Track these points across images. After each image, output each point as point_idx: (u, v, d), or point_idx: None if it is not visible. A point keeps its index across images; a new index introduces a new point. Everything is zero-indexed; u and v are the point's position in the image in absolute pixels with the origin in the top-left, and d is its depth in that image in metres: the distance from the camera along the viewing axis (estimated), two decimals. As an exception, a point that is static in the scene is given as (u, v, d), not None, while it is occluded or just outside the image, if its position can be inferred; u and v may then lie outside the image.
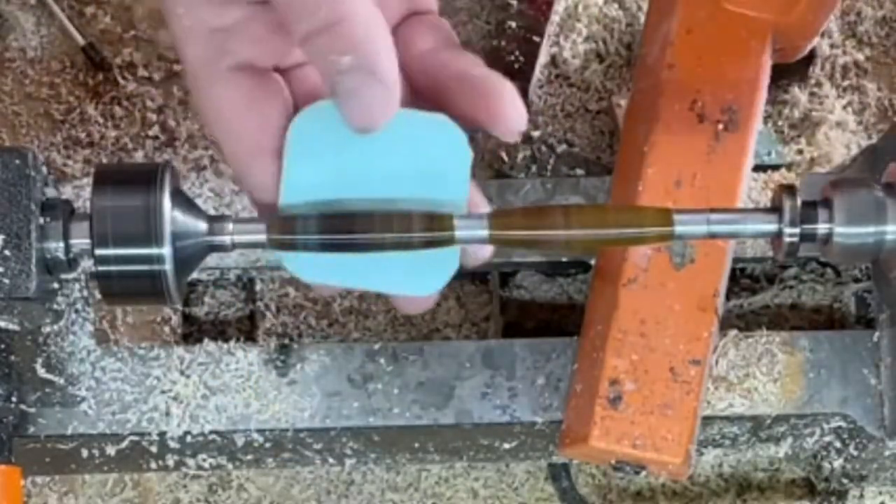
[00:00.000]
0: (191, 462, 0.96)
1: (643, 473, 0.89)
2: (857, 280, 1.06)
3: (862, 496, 1.08)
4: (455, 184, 0.68)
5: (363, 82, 0.61)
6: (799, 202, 0.73)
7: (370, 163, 0.67)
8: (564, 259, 1.02)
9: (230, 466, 0.98)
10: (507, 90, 0.66)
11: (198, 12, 0.64)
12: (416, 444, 0.98)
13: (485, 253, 0.69)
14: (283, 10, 0.61)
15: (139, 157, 1.09)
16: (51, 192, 0.72)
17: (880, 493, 1.08)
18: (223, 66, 0.65)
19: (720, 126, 0.89)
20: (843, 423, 0.95)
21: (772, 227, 0.73)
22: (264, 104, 0.66)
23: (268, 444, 0.95)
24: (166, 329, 1.04)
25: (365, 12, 0.60)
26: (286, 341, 1.02)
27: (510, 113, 0.66)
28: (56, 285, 0.75)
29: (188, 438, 0.94)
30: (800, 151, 1.13)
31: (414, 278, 0.70)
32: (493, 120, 0.66)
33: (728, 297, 0.91)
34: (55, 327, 0.92)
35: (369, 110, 0.62)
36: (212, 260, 0.74)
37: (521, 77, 1.11)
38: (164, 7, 0.65)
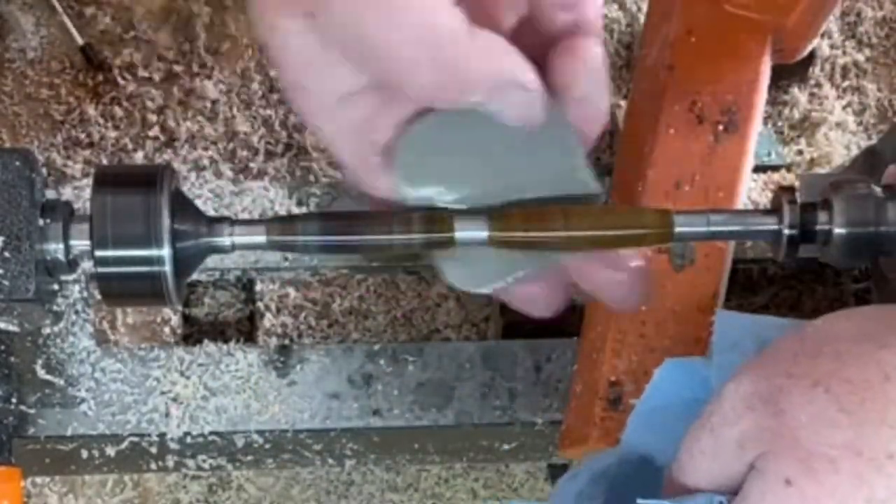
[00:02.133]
0: (190, 463, 0.96)
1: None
2: (856, 280, 1.06)
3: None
4: (575, 172, 0.67)
5: (504, 101, 0.62)
6: (799, 203, 0.73)
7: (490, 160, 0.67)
8: (564, 260, 1.02)
9: (230, 467, 0.98)
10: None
11: (331, 116, 0.64)
12: (416, 445, 0.98)
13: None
14: (393, 84, 0.62)
15: (139, 157, 1.09)
16: (51, 193, 0.72)
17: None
18: (374, 154, 0.66)
19: (720, 127, 0.89)
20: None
21: (772, 228, 0.73)
22: None
23: (267, 445, 0.95)
24: (166, 330, 1.04)
25: (464, 47, 0.60)
26: (286, 342, 1.02)
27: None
28: (56, 287, 0.75)
29: (188, 439, 0.94)
30: (800, 152, 1.13)
31: None
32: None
33: (728, 298, 0.91)
34: (55, 328, 0.92)
35: (523, 116, 0.63)
36: (211, 261, 0.74)
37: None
38: (307, 122, 0.66)
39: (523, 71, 0.62)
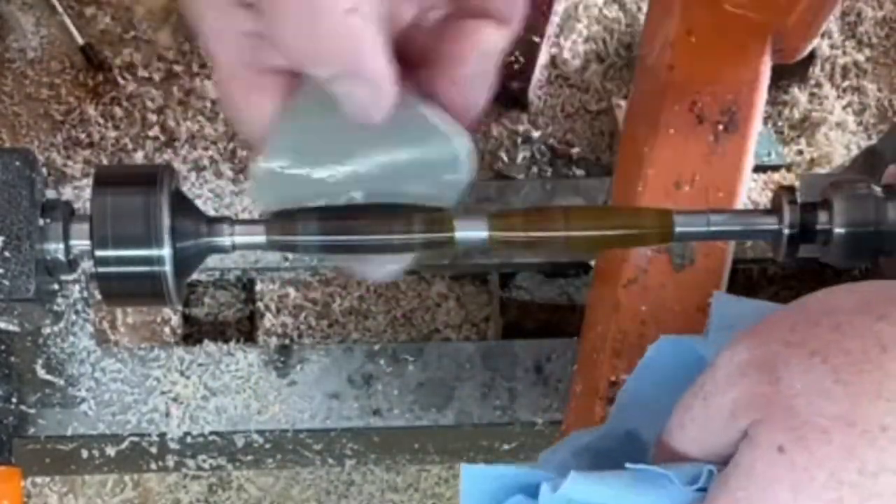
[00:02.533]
0: (191, 463, 0.96)
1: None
2: (856, 280, 1.06)
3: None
4: (447, 196, 0.67)
5: (349, 86, 0.60)
6: (798, 203, 0.73)
7: (367, 146, 0.66)
8: (565, 260, 1.02)
9: (230, 467, 0.98)
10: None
11: (228, 16, 0.63)
12: (416, 445, 0.98)
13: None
14: (262, 24, 0.61)
15: (139, 157, 1.09)
16: (51, 193, 0.72)
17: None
18: (255, 69, 0.64)
19: (720, 127, 0.89)
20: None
21: (772, 227, 0.73)
22: None
23: (268, 445, 0.95)
24: (166, 330, 1.04)
25: (337, 24, 0.58)
26: (286, 342, 1.02)
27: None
28: (56, 286, 0.75)
29: (188, 439, 0.94)
30: (800, 152, 1.13)
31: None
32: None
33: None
34: (55, 328, 0.92)
35: (363, 110, 0.62)
36: (212, 261, 0.74)
37: (521, 77, 1.11)
38: (195, 9, 0.64)
39: (376, 67, 0.60)
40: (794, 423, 0.54)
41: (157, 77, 1.12)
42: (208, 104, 1.11)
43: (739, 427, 0.56)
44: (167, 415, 0.94)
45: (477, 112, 0.65)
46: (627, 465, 0.58)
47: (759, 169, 1.03)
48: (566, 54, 1.14)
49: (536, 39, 1.11)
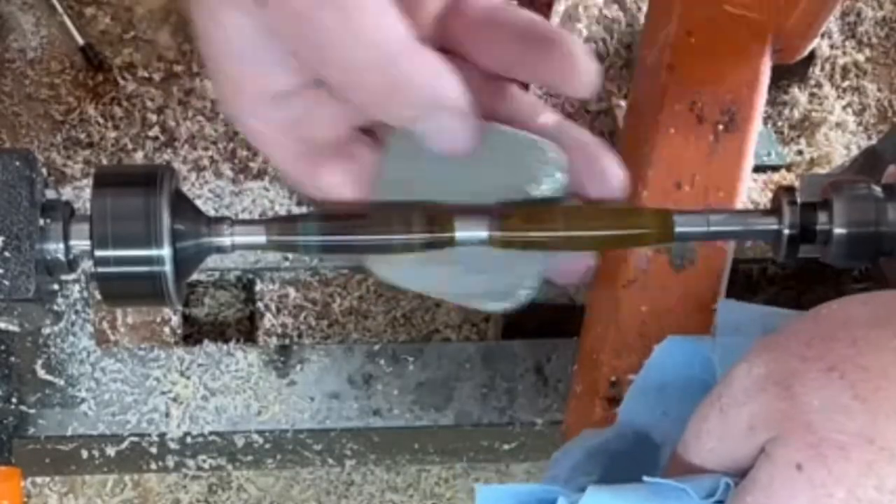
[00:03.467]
0: (191, 463, 0.97)
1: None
2: (856, 280, 1.06)
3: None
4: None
5: (436, 125, 0.61)
6: (798, 203, 0.73)
7: (462, 175, 0.66)
8: (564, 260, 1.02)
9: (230, 467, 0.98)
10: (577, 46, 0.66)
11: (265, 114, 0.64)
12: (416, 445, 0.98)
13: (578, 268, 0.67)
14: (336, 86, 0.61)
15: (139, 157, 1.09)
16: (51, 193, 0.72)
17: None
18: (310, 154, 0.65)
19: (720, 127, 0.89)
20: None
21: (772, 228, 0.73)
22: (363, 165, 0.66)
23: (267, 445, 0.95)
24: (166, 330, 1.04)
25: (410, 64, 0.59)
26: (286, 342, 1.02)
27: (583, 68, 0.65)
28: (56, 286, 0.75)
29: (188, 439, 0.94)
30: (800, 152, 1.13)
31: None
32: (565, 77, 0.66)
33: (728, 298, 0.91)
34: (55, 328, 0.92)
35: (452, 140, 0.62)
36: (212, 261, 0.74)
37: (520, 77, 1.11)
38: (229, 113, 0.66)
39: (455, 93, 0.61)
40: (811, 440, 0.54)
41: (156, 77, 1.12)
42: (208, 104, 1.11)
43: (757, 441, 0.56)
44: (167, 415, 0.94)
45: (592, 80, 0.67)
46: (645, 478, 0.58)
47: (759, 169, 1.03)
48: (566, 54, 1.14)
49: (536, 39, 1.11)
